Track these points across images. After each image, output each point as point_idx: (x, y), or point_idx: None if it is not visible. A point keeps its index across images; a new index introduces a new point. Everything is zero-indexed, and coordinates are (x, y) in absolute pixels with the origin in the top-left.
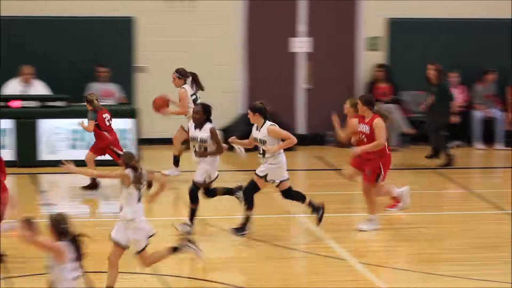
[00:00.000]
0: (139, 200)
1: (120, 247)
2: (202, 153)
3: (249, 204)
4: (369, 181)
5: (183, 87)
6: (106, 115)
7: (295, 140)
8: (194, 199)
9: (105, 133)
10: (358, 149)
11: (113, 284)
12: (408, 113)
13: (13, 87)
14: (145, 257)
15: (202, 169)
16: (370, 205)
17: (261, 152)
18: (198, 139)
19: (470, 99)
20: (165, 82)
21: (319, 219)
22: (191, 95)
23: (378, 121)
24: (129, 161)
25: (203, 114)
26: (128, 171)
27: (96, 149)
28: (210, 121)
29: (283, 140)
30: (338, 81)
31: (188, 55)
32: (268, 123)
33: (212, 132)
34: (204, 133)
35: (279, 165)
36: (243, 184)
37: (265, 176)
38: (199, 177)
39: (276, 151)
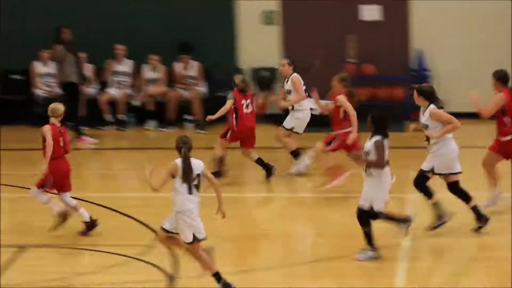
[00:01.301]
0: (190, 192)
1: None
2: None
3: (428, 194)
4: None
5: (295, 74)
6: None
7: (459, 124)
8: (364, 223)
9: None
10: None
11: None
12: None
13: None
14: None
15: (365, 193)
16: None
17: (426, 138)
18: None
19: None
20: None
21: (478, 228)
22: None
23: None
24: (182, 146)
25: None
26: (177, 162)
27: None
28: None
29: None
30: None
31: None
32: (431, 106)
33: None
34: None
35: (446, 155)
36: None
37: (432, 169)
38: (363, 202)
39: (438, 137)
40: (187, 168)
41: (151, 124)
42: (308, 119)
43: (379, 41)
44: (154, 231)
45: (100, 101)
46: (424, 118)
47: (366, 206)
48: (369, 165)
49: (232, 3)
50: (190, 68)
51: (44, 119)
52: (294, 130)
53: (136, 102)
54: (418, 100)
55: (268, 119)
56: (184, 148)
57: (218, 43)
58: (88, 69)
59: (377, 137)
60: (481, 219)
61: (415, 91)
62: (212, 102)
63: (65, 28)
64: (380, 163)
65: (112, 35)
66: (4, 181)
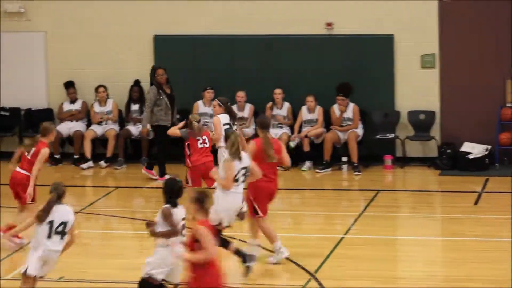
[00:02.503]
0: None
1: None
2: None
3: None
4: None
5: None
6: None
7: None
8: None
9: None
10: None
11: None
12: None
13: None
14: None
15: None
16: None
17: None
18: None
19: None
20: None
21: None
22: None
23: None
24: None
25: None
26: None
27: None
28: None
29: None
30: None
31: None
32: None
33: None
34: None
35: None
36: None
37: None
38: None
39: None
40: (45, 211)
41: (306, 165)
42: None
43: None
44: (309, 272)
45: None
46: None
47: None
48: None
49: (391, 47)
50: (347, 109)
51: None
52: None
53: (293, 144)
54: None
55: None
56: (53, 193)
57: (376, 86)
58: (248, 110)
59: (165, 205)
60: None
61: None
62: (368, 144)
63: (159, 70)
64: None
65: (269, 78)
66: None
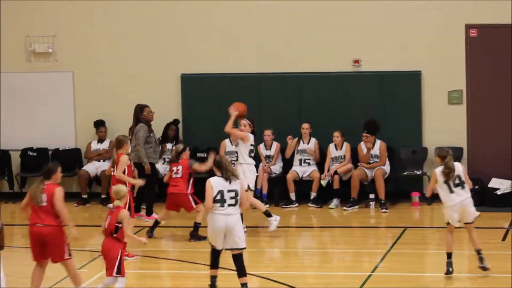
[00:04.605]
0: None
1: None
2: None
3: None
4: None
5: None
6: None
7: None
8: None
9: None
10: None
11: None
12: None
13: None
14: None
15: None
16: None
17: None
18: None
19: None
20: None
21: None
22: None
23: None
24: None
25: None
26: None
27: None
28: None
29: None
30: None
31: None
32: None
33: None
34: None
35: None
36: None
37: None
38: None
39: None
40: None
41: (333, 203)
42: None
43: None
44: None
45: (287, 179)
46: None
47: None
48: None
49: (418, 83)
50: (374, 147)
51: None
52: None
53: (324, 182)
54: None
55: None
56: None
57: (404, 122)
58: (274, 147)
59: None
60: None
61: None
62: (395, 181)
63: (147, 108)
64: None
65: (296, 116)
66: None
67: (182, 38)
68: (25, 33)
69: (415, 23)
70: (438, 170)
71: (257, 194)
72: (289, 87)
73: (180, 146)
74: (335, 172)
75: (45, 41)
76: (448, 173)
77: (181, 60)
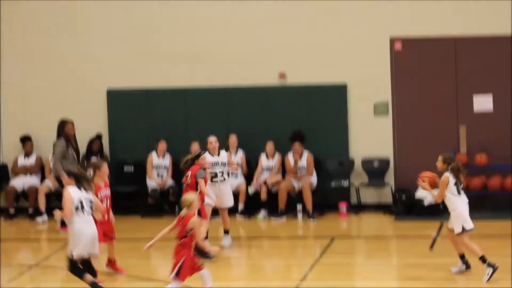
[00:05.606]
0: None
1: None
2: None
3: None
4: None
5: None
6: None
7: None
8: None
9: None
10: None
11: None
12: None
13: None
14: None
15: None
16: None
17: None
18: None
19: None
20: None
21: None
22: None
23: None
24: None
25: None
26: None
27: None
28: None
29: None
30: None
31: None
32: None
33: None
34: None
35: None
36: None
37: None
38: None
39: None
40: None
41: (261, 214)
42: None
43: (490, 131)
44: None
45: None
46: None
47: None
48: None
49: (344, 95)
50: (301, 158)
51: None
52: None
53: (252, 190)
54: None
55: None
56: None
57: (330, 134)
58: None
59: None
60: None
61: None
62: (322, 192)
63: (70, 123)
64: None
65: (222, 129)
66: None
67: (107, 52)
68: None
69: (340, 36)
70: (448, 173)
71: None
72: (216, 100)
73: (196, 150)
74: (265, 183)
75: None
76: (459, 173)
77: (107, 74)
